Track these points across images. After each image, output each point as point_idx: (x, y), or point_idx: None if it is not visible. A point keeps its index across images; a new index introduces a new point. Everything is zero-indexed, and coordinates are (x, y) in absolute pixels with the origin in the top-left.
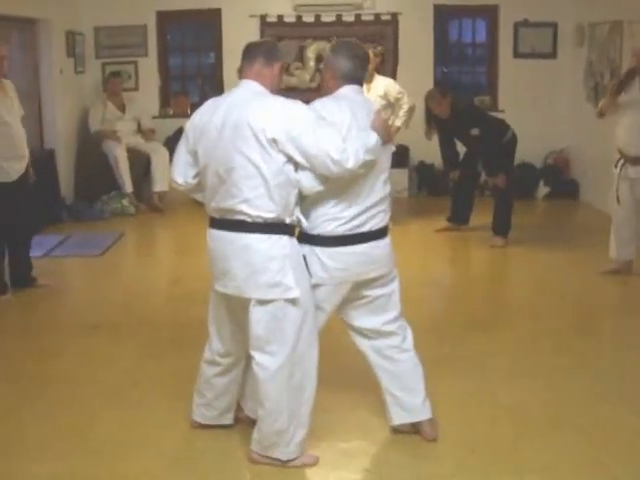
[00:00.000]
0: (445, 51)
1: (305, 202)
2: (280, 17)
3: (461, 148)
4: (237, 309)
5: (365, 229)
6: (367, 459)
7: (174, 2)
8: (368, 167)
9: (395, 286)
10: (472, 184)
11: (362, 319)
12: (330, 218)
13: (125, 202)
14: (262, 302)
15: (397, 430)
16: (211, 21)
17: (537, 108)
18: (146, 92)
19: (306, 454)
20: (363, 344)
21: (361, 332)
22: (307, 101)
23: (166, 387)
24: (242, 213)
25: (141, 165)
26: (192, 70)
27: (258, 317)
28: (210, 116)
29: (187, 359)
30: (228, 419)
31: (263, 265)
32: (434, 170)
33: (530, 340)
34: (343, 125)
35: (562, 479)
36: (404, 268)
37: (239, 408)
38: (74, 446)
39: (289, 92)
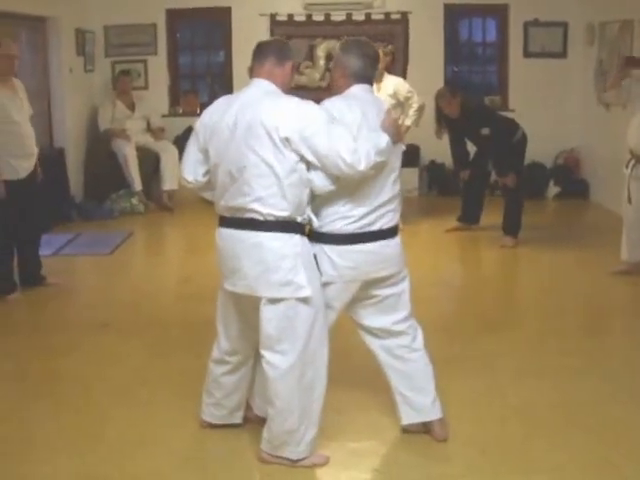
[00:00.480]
0: (455, 50)
1: (315, 201)
2: (290, 16)
3: (471, 147)
4: (246, 308)
5: (375, 228)
6: (377, 459)
7: (184, 0)
8: (378, 168)
9: (405, 286)
10: (482, 184)
11: (372, 318)
12: (340, 217)
13: (134, 201)
14: (273, 301)
15: (407, 430)
16: (221, 19)
17: (547, 107)
18: (156, 91)
19: (316, 454)
20: (373, 343)
21: (371, 331)
22: (317, 100)
23: (175, 386)
24: (253, 211)
25: (150, 164)
26: (202, 69)
27: (269, 316)
28: (221, 115)
29: (197, 358)
30: (237, 418)
31: (275, 264)
32: (444, 169)
33: (540, 340)
34: (353, 124)
35: (572, 479)
36: (414, 268)
37: (248, 407)
38: (84, 445)
39: (299, 91)
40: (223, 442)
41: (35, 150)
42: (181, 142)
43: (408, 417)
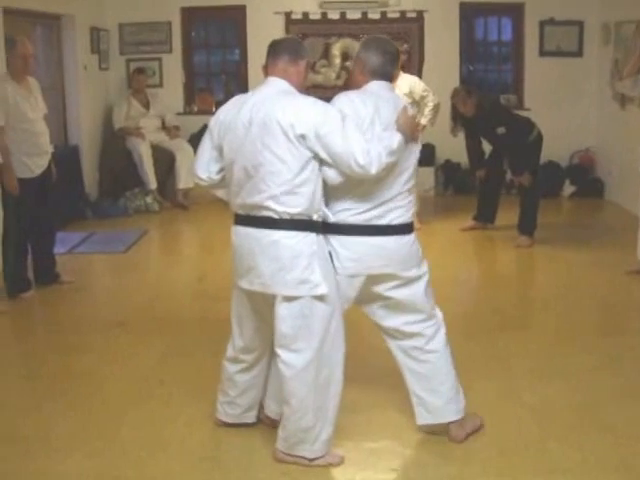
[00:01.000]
0: (471, 49)
1: (323, 191)
2: (305, 14)
3: (486, 147)
4: (261, 306)
5: (383, 222)
6: (393, 459)
7: None
8: (389, 167)
9: (420, 288)
10: (498, 183)
11: (385, 318)
12: (346, 207)
13: (149, 199)
14: (289, 299)
15: (428, 430)
16: (236, 18)
17: (563, 107)
18: (170, 89)
19: (332, 453)
20: (390, 343)
21: (386, 331)
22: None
23: (191, 385)
24: (269, 209)
25: (165, 162)
26: (217, 67)
27: (284, 314)
28: (236, 112)
29: (212, 357)
30: (251, 417)
31: (291, 262)
32: (460, 169)
33: (556, 340)
34: (365, 119)
35: None
36: (429, 267)
37: (261, 407)
38: (100, 444)
39: (315, 90)
40: (239, 441)
41: (49, 148)
42: (196, 140)
43: (422, 418)
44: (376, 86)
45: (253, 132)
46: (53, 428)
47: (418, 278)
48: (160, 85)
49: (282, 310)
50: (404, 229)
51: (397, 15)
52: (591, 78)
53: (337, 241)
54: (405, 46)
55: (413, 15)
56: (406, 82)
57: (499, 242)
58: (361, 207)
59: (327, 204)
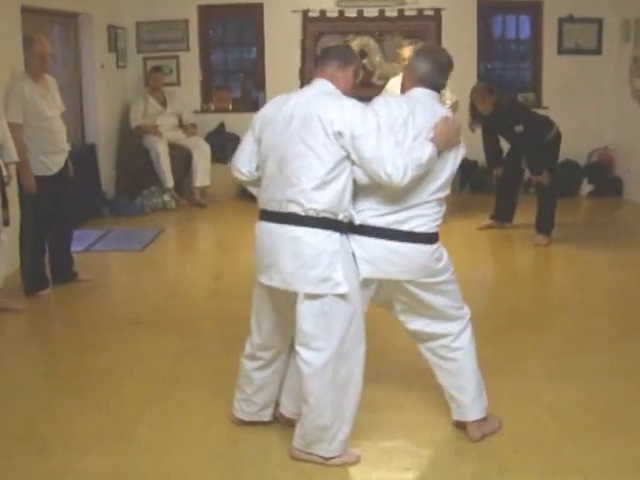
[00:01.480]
0: (488, 47)
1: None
2: (322, 12)
3: (504, 145)
4: (281, 302)
5: (405, 228)
6: (408, 458)
7: None
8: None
9: (441, 292)
10: (516, 181)
11: (409, 322)
12: (367, 207)
13: (166, 197)
14: (310, 297)
15: (461, 427)
16: (253, 16)
17: (581, 105)
18: (187, 87)
19: (347, 453)
20: (419, 345)
21: (413, 334)
22: (352, 97)
23: (208, 383)
24: (296, 204)
25: (182, 160)
26: (234, 65)
27: (305, 312)
28: (279, 108)
29: (230, 355)
30: (267, 416)
31: (313, 259)
32: (477, 167)
33: (573, 339)
34: (398, 119)
35: None
36: None
37: (277, 405)
38: (117, 443)
39: None
40: (255, 439)
41: (66, 146)
42: (213, 138)
43: (454, 414)
44: (419, 93)
45: (292, 127)
46: (70, 426)
47: (439, 284)
48: (177, 83)
49: (303, 308)
50: (426, 238)
51: (414, 13)
52: (610, 76)
53: (355, 241)
54: (422, 44)
55: (430, 13)
56: None
57: (516, 241)
58: (383, 209)
59: (352, 204)
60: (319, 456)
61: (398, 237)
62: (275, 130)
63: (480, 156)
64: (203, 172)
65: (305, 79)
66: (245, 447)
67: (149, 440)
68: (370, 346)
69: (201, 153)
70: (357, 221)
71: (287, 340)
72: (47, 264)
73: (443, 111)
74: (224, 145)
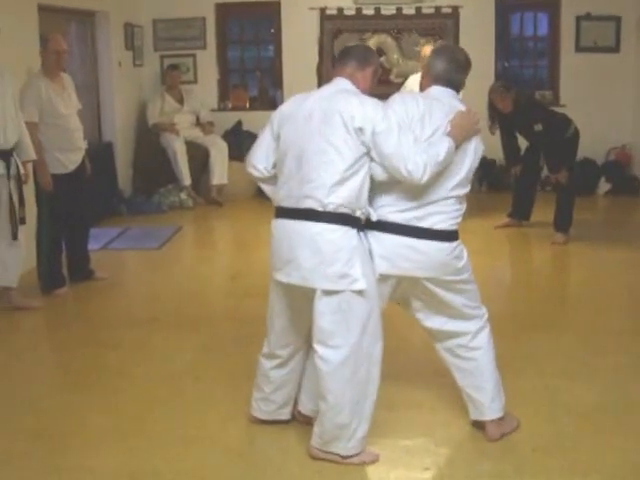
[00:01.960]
0: (506, 45)
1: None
2: (340, 10)
3: (522, 142)
4: (299, 300)
5: (423, 225)
6: (428, 457)
7: None
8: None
9: (459, 291)
10: (534, 179)
11: (426, 320)
12: (386, 203)
13: (183, 195)
14: (328, 293)
15: (479, 427)
16: (270, 14)
17: (599, 103)
18: (205, 85)
19: (366, 452)
20: (436, 345)
21: (430, 333)
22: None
23: (225, 382)
24: (314, 199)
25: (199, 158)
26: (251, 63)
27: (323, 309)
28: (298, 105)
29: (247, 354)
30: (285, 414)
31: (332, 256)
32: (495, 166)
33: (591, 339)
34: (414, 116)
35: None
36: None
37: (295, 403)
38: (133, 440)
39: None
40: (272, 438)
41: (83, 144)
42: (230, 136)
43: (471, 413)
44: (436, 91)
45: (313, 123)
46: (86, 423)
47: (458, 282)
48: (194, 81)
49: (321, 305)
50: (444, 236)
51: (432, 11)
52: (628, 74)
53: (373, 237)
54: (439, 42)
55: (448, 11)
56: None
57: (534, 239)
58: (402, 205)
59: (370, 200)
60: (337, 454)
61: (416, 234)
62: (295, 127)
63: (498, 155)
64: (220, 170)
65: (322, 77)
66: (263, 446)
67: (165, 438)
68: (388, 343)
69: (218, 151)
70: (374, 217)
71: (303, 338)
72: (64, 262)
73: (462, 107)
74: (241, 143)
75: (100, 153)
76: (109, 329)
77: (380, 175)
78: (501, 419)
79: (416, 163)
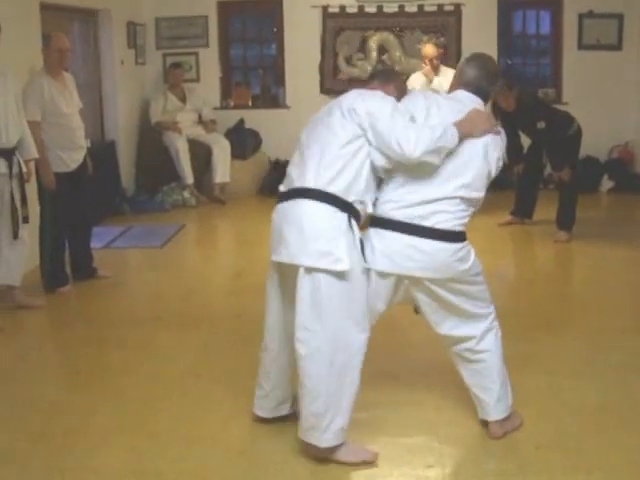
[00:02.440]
0: (509, 43)
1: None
2: (342, 7)
3: (524, 140)
4: (289, 284)
5: (426, 223)
6: (430, 455)
7: None
8: (435, 159)
9: (465, 292)
10: (536, 177)
11: (439, 327)
12: (390, 199)
13: (186, 194)
14: (310, 270)
15: (484, 423)
16: (272, 12)
17: (602, 101)
18: (207, 83)
19: (365, 450)
20: (447, 349)
21: (442, 339)
22: None
23: (228, 381)
24: (307, 179)
25: (202, 156)
26: (253, 61)
27: (304, 292)
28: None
29: (250, 353)
30: (285, 409)
31: (316, 232)
32: None
33: (594, 337)
34: (418, 104)
35: None
36: None
37: (294, 400)
38: (136, 439)
39: (351, 83)
40: (274, 437)
41: (85, 143)
42: (233, 135)
43: (479, 413)
44: (461, 94)
45: (321, 117)
46: (89, 423)
47: (461, 284)
48: (197, 80)
49: (302, 285)
50: (448, 236)
51: (434, 8)
52: (631, 72)
53: (376, 234)
54: (441, 39)
55: (451, 8)
56: (450, 76)
57: (537, 237)
58: (405, 201)
59: (377, 197)
60: (314, 446)
61: (418, 232)
62: (309, 127)
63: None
64: (223, 168)
65: (324, 75)
66: (266, 444)
67: (169, 437)
68: (390, 341)
69: (221, 149)
70: (371, 210)
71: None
72: (67, 261)
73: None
74: (244, 141)
75: (103, 152)
76: (112, 328)
77: (379, 160)
78: (505, 418)
79: (407, 136)
